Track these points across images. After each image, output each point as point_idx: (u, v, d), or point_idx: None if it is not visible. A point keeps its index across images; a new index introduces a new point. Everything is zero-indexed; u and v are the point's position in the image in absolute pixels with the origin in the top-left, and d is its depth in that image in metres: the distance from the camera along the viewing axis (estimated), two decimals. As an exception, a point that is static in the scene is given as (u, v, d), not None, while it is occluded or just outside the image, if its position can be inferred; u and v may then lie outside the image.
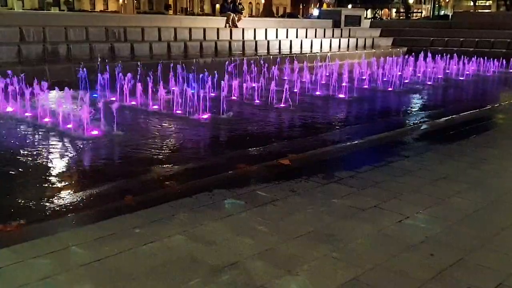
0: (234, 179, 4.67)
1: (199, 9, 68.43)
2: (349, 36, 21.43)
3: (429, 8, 69.35)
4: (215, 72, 10.29)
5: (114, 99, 8.87)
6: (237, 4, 19.05)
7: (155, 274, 2.80)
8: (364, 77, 12.49)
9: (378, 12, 67.34)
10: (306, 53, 17.74)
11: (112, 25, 14.87)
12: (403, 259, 3.07)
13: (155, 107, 8.49)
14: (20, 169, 5.22)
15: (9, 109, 7.98)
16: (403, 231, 3.50)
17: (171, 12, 56.71)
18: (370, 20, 30.57)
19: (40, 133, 6.81)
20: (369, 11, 60.47)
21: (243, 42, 16.98)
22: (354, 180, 4.57)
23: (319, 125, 8.01)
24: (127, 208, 3.76)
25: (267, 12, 44.31)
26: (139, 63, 11.50)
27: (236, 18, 18.45)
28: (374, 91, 11.72)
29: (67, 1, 42.60)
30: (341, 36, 21.06)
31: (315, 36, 20.14)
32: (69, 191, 4.55)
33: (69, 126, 6.77)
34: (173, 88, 9.94)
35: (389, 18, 63.63)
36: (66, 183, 4.79)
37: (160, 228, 3.40)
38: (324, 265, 2.97)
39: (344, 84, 10.60)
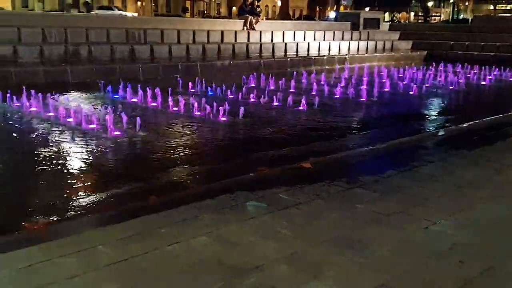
0: (256, 181, 4.66)
1: (216, 11, 68.77)
2: (368, 39, 21.26)
3: (448, 12, 68.50)
4: (233, 74, 10.32)
5: (135, 100, 8.95)
6: (255, 6, 19.08)
7: (180, 275, 2.80)
8: (384, 80, 12.37)
9: (396, 15, 66.83)
10: (324, 56, 17.65)
11: (132, 27, 15.04)
12: (431, 267, 3.02)
13: (175, 109, 8.54)
14: (45, 168, 5.30)
15: (33, 108, 8.13)
16: (430, 237, 3.44)
17: (188, 15, 57.10)
18: (388, 23, 30.32)
19: (64, 133, 6.89)
20: (386, 14, 60.02)
21: (261, 44, 16.98)
22: (378, 185, 4.51)
23: (340, 128, 7.95)
24: (151, 208, 3.77)
25: (284, 14, 44.16)
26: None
27: (254, 21, 18.47)
28: (395, 95, 11.61)
29: (86, 2, 43.12)
30: (360, 39, 20.90)
31: (333, 39, 20.00)
32: (94, 190, 4.59)
33: (92, 126, 6.86)
34: (192, 90, 10.01)
35: (407, 21, 63.08)
36: (91, 183, 4.84)
37: (185, 229, 3.40)
38: (350, 271, 2.93)
39: (364, 87, 10.51)
